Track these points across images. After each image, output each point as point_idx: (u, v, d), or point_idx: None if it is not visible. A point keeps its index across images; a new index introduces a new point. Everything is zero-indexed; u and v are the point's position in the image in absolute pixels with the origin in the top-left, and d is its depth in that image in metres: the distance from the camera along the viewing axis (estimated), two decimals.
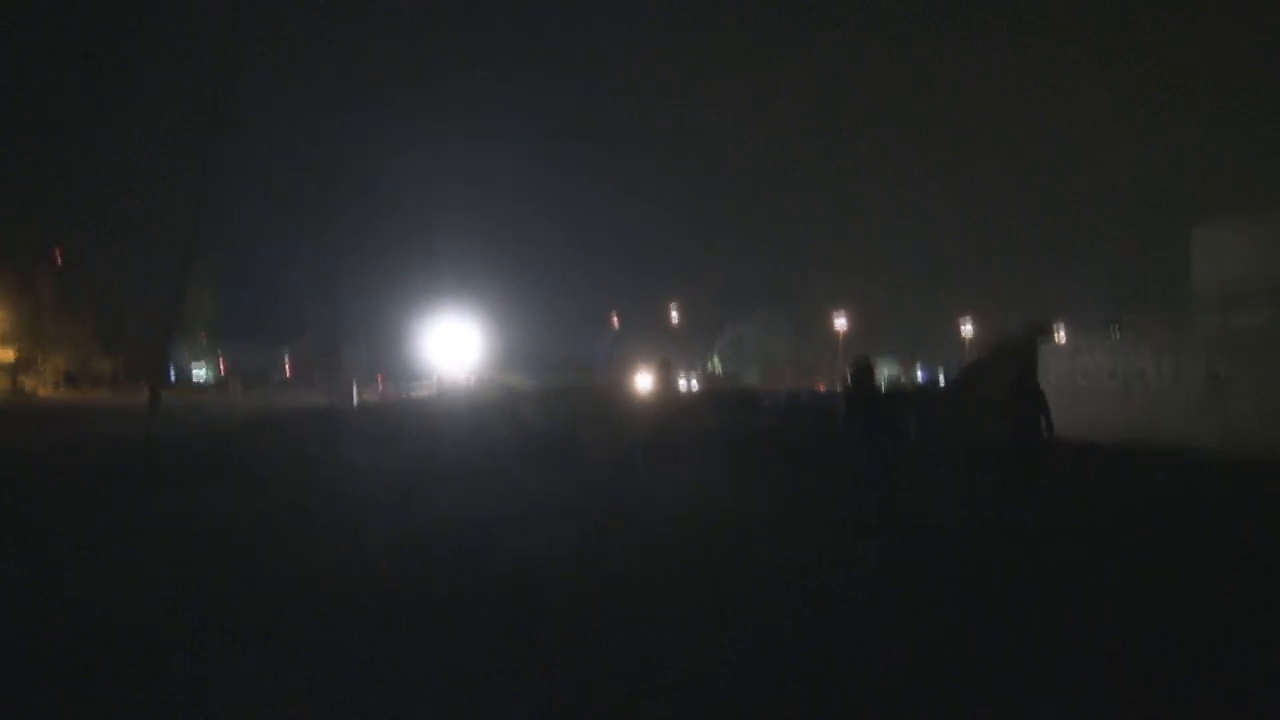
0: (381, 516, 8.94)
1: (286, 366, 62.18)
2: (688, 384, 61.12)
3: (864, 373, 8.81)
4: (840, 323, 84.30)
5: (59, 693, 4.22)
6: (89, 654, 4.75)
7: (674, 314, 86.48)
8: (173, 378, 53.43)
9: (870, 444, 8.50)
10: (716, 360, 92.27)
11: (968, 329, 72.78)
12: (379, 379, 43.32)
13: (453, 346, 52.70)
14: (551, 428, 21.98)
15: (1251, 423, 16.34)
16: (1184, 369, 18.21)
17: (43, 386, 37.01)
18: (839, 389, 66.52)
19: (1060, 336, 26.53)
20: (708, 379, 75.48)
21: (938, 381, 57.15)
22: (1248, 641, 5.12)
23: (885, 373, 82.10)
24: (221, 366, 60.02)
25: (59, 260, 42.51)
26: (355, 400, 32.66)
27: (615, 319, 76.99)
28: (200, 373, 61.02)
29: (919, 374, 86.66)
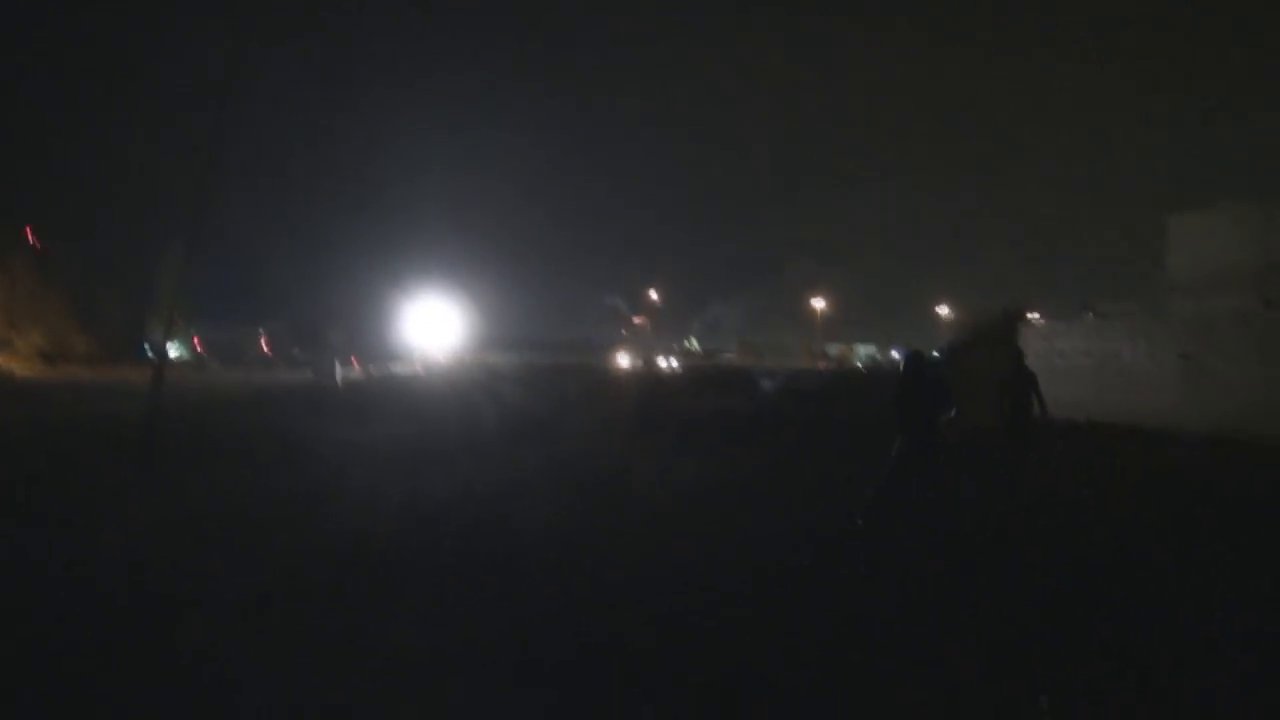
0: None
1: (263, 344, 61.65)
2: (668, 364, 61.68)
3: (920, 372, 7.86)
4: (819, 304, 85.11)
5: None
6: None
7: (654, 295, 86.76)
8: (149, 354, 53.00)
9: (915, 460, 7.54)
10: (694, 340, 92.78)
11: (944, 311, 73.73)
12: (352, 360, 43.21)
13: (435, 326, 52.88)
14: (536, 406, 22.42)
15: (1221, 402, 17.04)
16: (1157, 350, 18.87)
17: (20, 366, 36.54)
18: (823, 367, 66.96)
19: (1035, 321, 27.07)
20: (688, 357, 76.00)
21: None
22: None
23: (862, 353, 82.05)
24: (196, 344, 59.42)
25: (31, 238, 41.82)
26: (340, 378, 32.80)
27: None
28: (174, 351, 60.47)
29: (894, 355, 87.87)
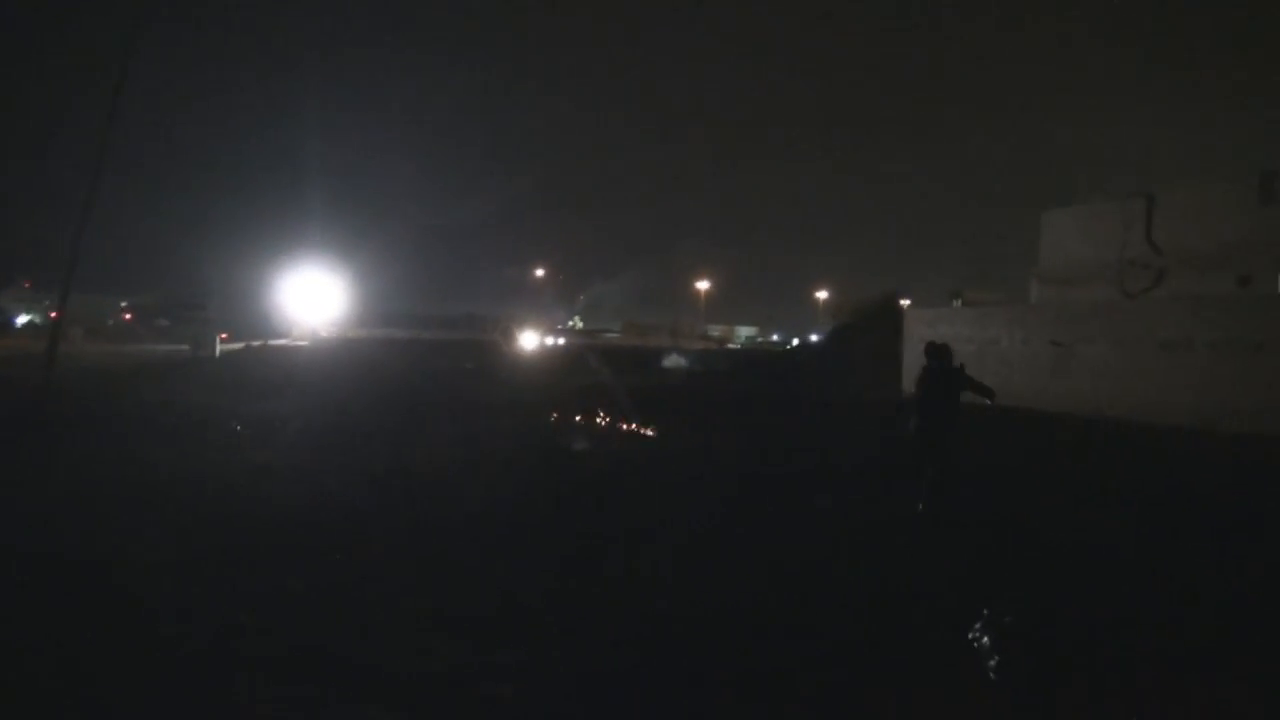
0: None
1: (126, 315, 58.03)
2: (554, 341, 61.55)
3: (945, 364, 7.78)
4: (703, 286, 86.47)
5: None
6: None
7: (539, 272, 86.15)
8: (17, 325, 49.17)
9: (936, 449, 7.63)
10: (578, 319, 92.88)
11: (823, 295, 76.29)
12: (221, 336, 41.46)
13: (315, 300, 51.00)
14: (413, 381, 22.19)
15: (1087, 385, 18.52)
16: (1031, 337, 20.26)
17: None
18: (716, 347, 68.00)
19: (919, 309, 28.49)
20: (573, 334, 76.01)
21: (806, 344, 59.91)
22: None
23: (743, 335, 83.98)
24: (53, 314, 55.44)
25: None
26: (217, 350, 31.46)
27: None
28: (25, 319, 56.57)
29: (774, 337, 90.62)
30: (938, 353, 7.82)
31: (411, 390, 19.87)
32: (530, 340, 57.79)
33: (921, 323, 23.35)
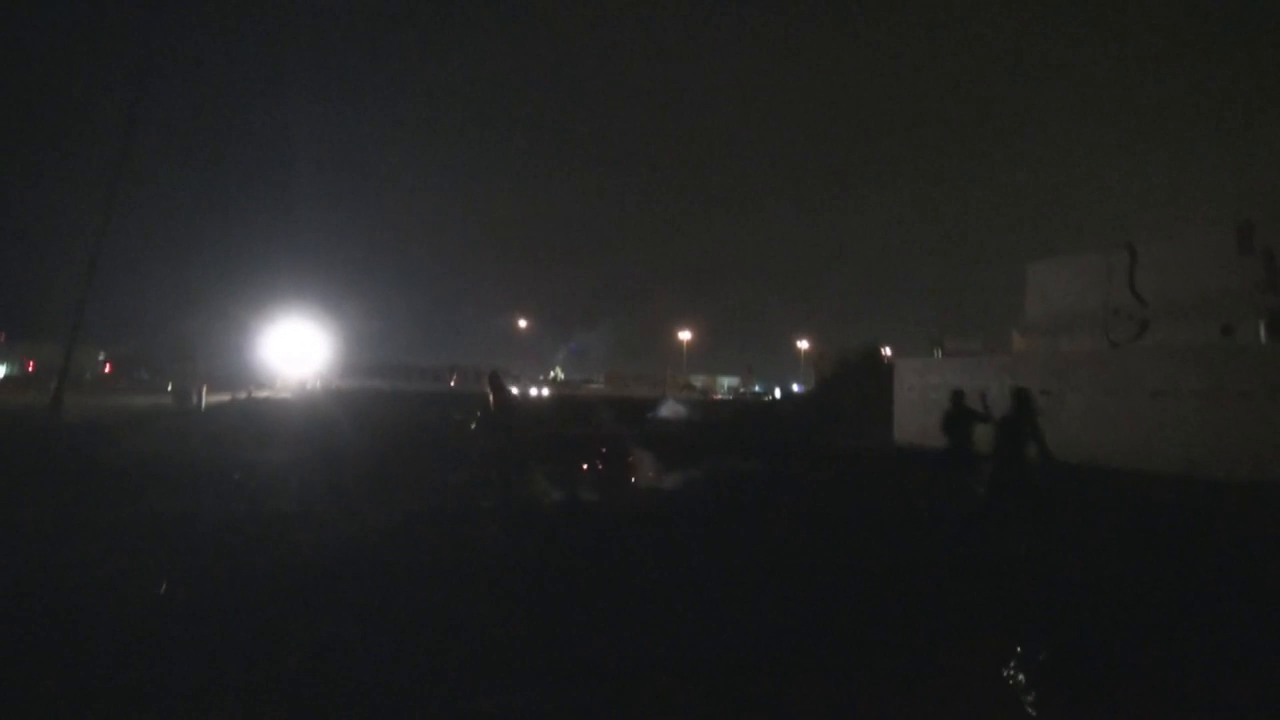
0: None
1: (106, 366, 57.61)
2: (540, 391, 61.49)
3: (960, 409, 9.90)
4: (684, 336, 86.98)
5: None
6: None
7: (521, 323, 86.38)
8: None
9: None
10: (559, 370, 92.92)
11: (804, 344, 76.86)
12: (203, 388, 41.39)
13: (297, 352, 50.89)
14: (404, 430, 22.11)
15: (1077, 432, 18.75)
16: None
17: None
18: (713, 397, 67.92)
19: (908, 359, 28.83)
20: (556, 385, 76.00)
21: (791, 394, 60.16)
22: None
23: (725, 385, 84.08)
24: (29, 365, 54.98)
25: None
26: (203, 402, 31.17)
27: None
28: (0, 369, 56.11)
29: (756, 387, 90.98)
30: (956, 398, 10.05)
31: (409, 441, 19.78)
32: (515, 390, 57.65)
33: (912, 372, 23.64)
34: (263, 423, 24.21)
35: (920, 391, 22.86)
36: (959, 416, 9.83)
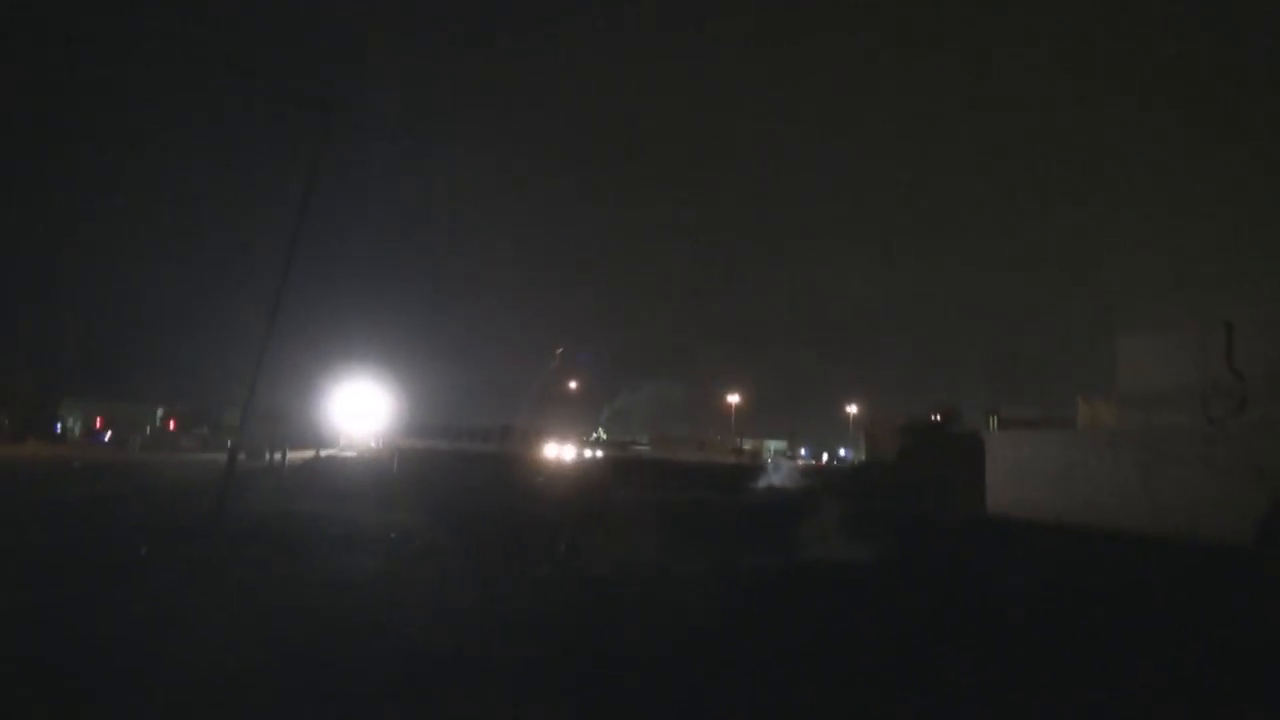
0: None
1: (170, 422, 58.74)
2: (591, 453, 61.65)
3: None
4: (733, 399, 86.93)
5: None
6: None
7: (572, 385, 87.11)
8: (59, 431, 49.95)
9: None
10: (602, 430, 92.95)
11: (853, 410, 76.57)
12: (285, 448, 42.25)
13: (363, 410, 51.79)
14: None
15: (1179, 508, 18.61)
16: (1120, 460, 20.46)
17: None
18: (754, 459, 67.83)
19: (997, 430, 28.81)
20: (605, 446, 76.05)
21: (840, 460, 59.77)
22: None
23: (773, 449, 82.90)
24: (98, 421, 56.36)
25: None
26: (285, 461, 31.79)
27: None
28: (69, 425, 57.50)
29: (803, 452, 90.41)
30: None
31: (513, 502, 20.08)
32: (569, 452, 57.96)
33: (1006, 444, 23.62)
34: (359, 481, 24.72)
35: (1013, 462, 22.81)
36: None
